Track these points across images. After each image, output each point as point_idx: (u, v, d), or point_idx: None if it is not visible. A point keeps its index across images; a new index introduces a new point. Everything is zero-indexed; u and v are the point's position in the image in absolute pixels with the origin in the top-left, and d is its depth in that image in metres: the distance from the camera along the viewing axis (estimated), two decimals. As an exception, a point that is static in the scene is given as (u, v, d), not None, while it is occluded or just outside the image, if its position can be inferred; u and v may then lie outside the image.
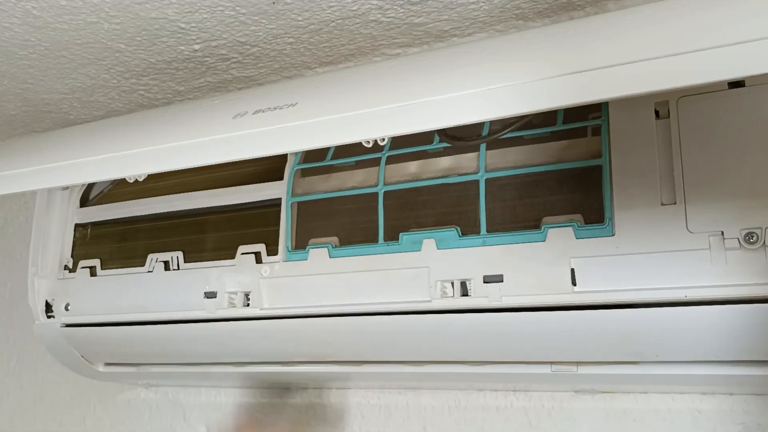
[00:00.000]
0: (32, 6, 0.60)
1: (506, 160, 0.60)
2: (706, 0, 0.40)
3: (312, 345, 0.67)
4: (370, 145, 0.61)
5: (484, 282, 0.57)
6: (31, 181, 0.62)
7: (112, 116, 0.86)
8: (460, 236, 0.59)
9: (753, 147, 0.50)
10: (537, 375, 0.61)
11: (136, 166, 0.57)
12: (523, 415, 0.69)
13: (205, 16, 0.62)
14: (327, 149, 0.69)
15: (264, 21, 0.63)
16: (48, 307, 0.80)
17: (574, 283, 0.54)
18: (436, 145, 0.63)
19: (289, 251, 0.67)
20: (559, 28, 0.50)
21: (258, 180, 0.72)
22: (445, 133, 0.62)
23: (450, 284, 0.59)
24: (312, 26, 0.65)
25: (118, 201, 0.82)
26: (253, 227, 0.69)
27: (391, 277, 0.61)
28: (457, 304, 0.58)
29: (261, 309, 0.67)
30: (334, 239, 0.66)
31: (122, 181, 0.81)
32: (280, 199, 0.69)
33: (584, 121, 0.58)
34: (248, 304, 0.68)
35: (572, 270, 0.54)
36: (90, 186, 0.85)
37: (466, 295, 0.58)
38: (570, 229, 0.55)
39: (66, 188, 0.86)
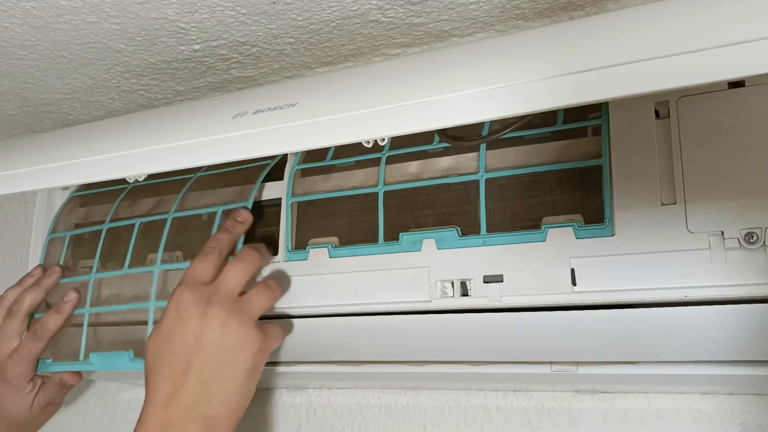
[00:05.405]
0: (32, 6, 0.60)
1: (506, 160, 0.60)
2: (706, 0, 0.40)
3: (311, 345, 0.67)
4: (370, 145, 0.61)
5: (484, 282, 0.57)
6: (31, 181, 0.62)
7: (112, 116, 0.86)
8: (460, 236, 0.59)
9: (753, 147, 0.50)
10: (537, 375, 0.61)
11: (136, 166, 0.57)
12: (523, 415, 0.69)
13: (205, 16, 0.62)
14: (327, 149, 0.69)
15: (264, 21, 0.63)
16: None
17: (574, 283, 0.54)
18: (436, 145, 0.63)
19: (289, 251, 0.67)
20: (559, 28, 0.50)
21: (258, 180, 0.72)
22: (445, 133, 0.62)
23: (450, 284, 0.59)
24: (312, 26, 0.65)
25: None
26: (253, 227, 0.69)
27: (391, 277, 0.61)
28: (457, 304, 0.58)
29: (261, 309, 0.67)
30: (334, 239, 0.66)
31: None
32: (280, 199, 0.69)
33: (584, 121, 0.57)
34: (248, 304, 0.68)
35: (572, 270, 0.54)
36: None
37: (466, 295, 0.58)
38: (570, 229, 0.55)
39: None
